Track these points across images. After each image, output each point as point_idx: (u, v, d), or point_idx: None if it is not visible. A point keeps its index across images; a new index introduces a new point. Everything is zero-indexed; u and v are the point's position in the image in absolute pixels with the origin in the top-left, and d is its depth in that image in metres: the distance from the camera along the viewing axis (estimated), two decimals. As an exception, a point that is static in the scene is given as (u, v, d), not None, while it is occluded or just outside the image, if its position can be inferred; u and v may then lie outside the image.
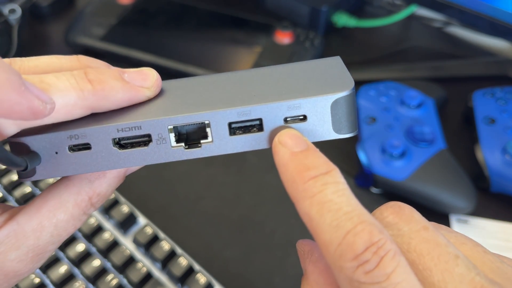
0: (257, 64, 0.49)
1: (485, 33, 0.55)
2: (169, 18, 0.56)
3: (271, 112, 0.19)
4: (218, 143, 0.19)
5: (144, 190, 0.41)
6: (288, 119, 0.19)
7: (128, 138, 0.19)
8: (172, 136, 0.19)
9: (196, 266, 0.35)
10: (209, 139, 0.19)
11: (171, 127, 0.18)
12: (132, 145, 0.19)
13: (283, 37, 0.52)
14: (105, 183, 0.20)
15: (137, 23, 0.55)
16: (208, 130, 0.19)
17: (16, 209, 0.21)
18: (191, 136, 0.19)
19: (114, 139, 0.18)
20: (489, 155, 0.41)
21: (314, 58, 0.51)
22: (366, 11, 0.63)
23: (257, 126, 0.19)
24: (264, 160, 0.45)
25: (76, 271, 0.35)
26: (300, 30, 0.53)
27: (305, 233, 0.43)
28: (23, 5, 0.53)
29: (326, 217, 0.15)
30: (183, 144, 0.19)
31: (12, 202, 0.39)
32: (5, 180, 0.40)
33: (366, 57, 0.56)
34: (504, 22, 0.42)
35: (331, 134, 0.20)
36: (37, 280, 0.35)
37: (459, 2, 0.44)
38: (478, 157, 0.42)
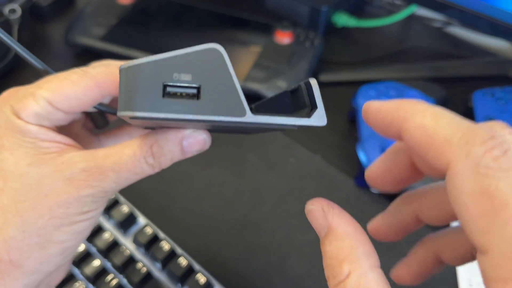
0: (257, 64, 0.49)
1: (485, 33, 0.55)
2: (169, 18, 0.56)
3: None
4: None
5: (144, 190, 0.41)
6: None
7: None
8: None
9: (196, 266, 0.35)
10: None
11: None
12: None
13: (283, 37, 0.52)
14: (165, 137, 0.21)
15: (137, 23, 0.55)
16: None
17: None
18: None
19: None
20: (489, 155, 0.41)
21: (314, 58, 0.51)
22: (366, 11, 0.63)
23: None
24: (264, 160, 0.45)
25: (76, 271, 0.35)
26: (300, 30, 0.53)
27: (305, 233, 0.43)
28: (23, 5, 0.53)
29: (443, 121, 0.17)
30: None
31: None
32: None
33: (366, 57, 0.56)
34: (504, 22, 0.42)
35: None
36: (37, 280, 0.35)
37: (459, 2, 0.44)
38: (478, 157, 0.42)
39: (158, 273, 0.35)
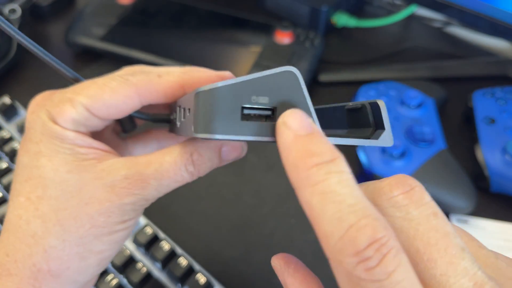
0: (257, 64, 0.49)
1: (485, 33, 0.55)
2: (169, 18, 0.56)
3: None
4: None
5: (144, 190, 0.42)
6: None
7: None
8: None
9: (196, 266, 0.35)
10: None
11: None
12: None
13: (283, 37, 0.52)
14: (205, 145, 0.22)
15: (137, 23, 0.55)
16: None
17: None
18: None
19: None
20: (489, 155, 0.41)
21: (314, 58, 0.51)
22: (366, 11, 0.63)
23: None
24: (264, 160, 0.45)
25: (76, 271, 0.35)
26: (300, 30, 0.53)
27: (305, 233, 0.43)
28: (23, 5, 0.53)
29: (328, 208, 0.15)
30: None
31: (12, 202, 0.39)
32: (5, 180, 0.40)
33: (366, 57, 0.56)
34: (504, 22, 0.42)
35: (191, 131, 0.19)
36: None
37: (459, 2, 0.44)
38: (478, 157, 0.42)
39: (158, 273, 0.35)
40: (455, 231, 0.16)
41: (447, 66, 0.54)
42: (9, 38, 0.51)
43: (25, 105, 0.48)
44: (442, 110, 0.48)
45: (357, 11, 0.61)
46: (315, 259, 0.37)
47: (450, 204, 0.39)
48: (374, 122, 0.19)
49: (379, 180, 0.18)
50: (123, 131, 0.29)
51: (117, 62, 0.54)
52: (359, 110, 0.20)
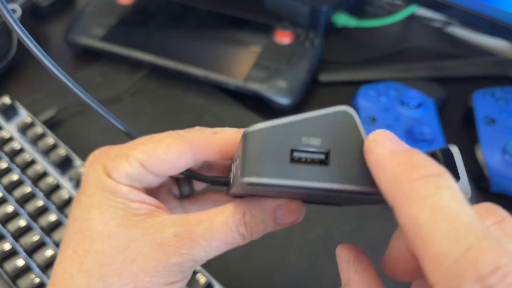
0: (257, 64, 0.49)
1: (485, 33, 0.55)
2: (169, 18, 0.56)
3: None
4: None
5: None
6: None
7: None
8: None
9: (196, 266, 0.35)
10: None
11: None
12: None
13: (283, 37, 0.52)
14: (258, 205, 0.21)
15: (137, 23, 0.55)
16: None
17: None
18: None
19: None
20: (489, 155, 0.41)
21: (314, 58, 0.51)
22: (366, 11, 0.63)
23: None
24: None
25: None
26: (300, 30, 0.53)
27: (305, 233, 0.43)
28: (23, 5, 0.53)
29: (441, 225, 0.13)
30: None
31: (12, 202, 0.39)
32: (5, 180, 0.40)
33: (366, 57, 0.56)
34: (504, 22, 0.42)
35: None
36: (37, 280, 0.35)
37: (459, 2, 0.44)
38: (478, 157, 0.42)
39: (158, 273, 0.35)
40: None
41: (447, 66, 0.54)
42: (9, 38, 0.51)
43: (25, 105, 0.48)
44: (442, 110, 0.48)
45: (357, 11, 0.61)
46: (315, 259, 0.37)
47: (450, 204, 0.39)
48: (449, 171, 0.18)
49: None
50: (181, 195, 0.29)
51: (117, 62, 0.54)
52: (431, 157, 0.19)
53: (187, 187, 0.28)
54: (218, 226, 0.20)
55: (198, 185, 0.29)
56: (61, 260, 0.22)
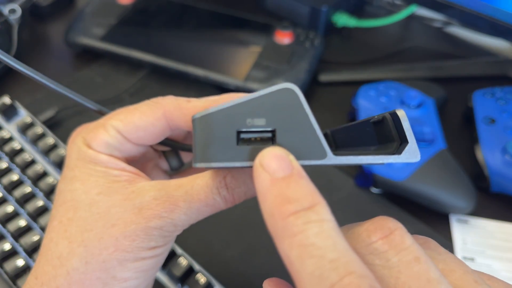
0: (257, 64, 0.49)
1: (485, 33, 0.55)
2: (169, 18, 0.56)
3: None
4: None
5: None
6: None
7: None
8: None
9: (196, 266, 0.35)
10: None
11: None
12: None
13: (283, 37, 0.52)
14: (241, 169, 0.20)
15: (137, 23, 0.55)
16: None
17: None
18: None
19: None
20: (489, 155, 0.41)
21: (314, 58, 0.51)
22: (366, 11, 0.63)
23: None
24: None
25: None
26: (300, 30, 0.53)
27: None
28: (23, 5, 0.53)
29: (307, 264, 0.13)
30: None
31: (12, 202, 0.39)
32: (5, 180, 0.40)
33: (366, 57, 0.56)
34: (504, 22, 0.42)
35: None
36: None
37: (459, 2, 0.44)
38: (478, 157, 0.42)
39: (158, 273, 0.35)
40: (440, 276, 0.14)
41: (447, 66, 0.54)
42: (9, 38, 0.51)
43: (25, 105, 0.48)
44: (442, 110, 0.48)
45: (357, 11, 0.61)
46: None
47: (450, 204, 0.39)
48: (398, 135, 0.17)
49: (358, 224, 0.17)
50: (171, 169, 0.29)
51: (117, 62, 0.54)
52: (382, 123, 0.18)
53: (175, 159, 0.28)
54: (198, 189, 0.20)
55: (187, 158, 0.29)
56: (48, 231, 0.22)
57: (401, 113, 0.17)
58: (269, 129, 0.17)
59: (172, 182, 0.21)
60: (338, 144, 0.22)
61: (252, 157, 0.16)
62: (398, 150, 0.17)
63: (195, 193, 0.20)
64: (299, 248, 0.13)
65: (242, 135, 0.17)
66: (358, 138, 0.20)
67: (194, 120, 0.17)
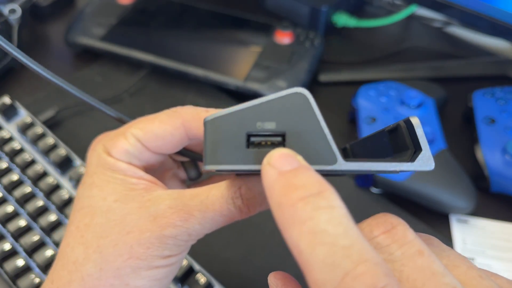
0: (257, 64, 0.49)
1: (485, 33, 0.55)
2: (169, 18, 0.56)
3: None
4: None
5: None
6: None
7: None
8: None
9: (196, 266, 0.35)
10: None
11: None
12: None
13: (283, 37, 0.52)
14: (254, 178, 0.20)
15: (137, 23, 0.55)
16: None
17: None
18: None
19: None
20: (489, 155, 0.41)
21: (314, 58, 0.51)
22: (366, 11, 0.63)
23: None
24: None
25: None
26: (300, 30, 0.53)
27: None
28: (23, 5, 0.53)
29: (318, 251, 0.12)
30: None
31: (12, 202, 0.39)
32: (5, 180, 0.40)
33: (366, 57, 0.56)
34: (504, 22, 0.42)
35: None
36: (37, 280, 0.35)
37: (459, 2, 0.44)
38: (478, 157, 0.42)
39: (158, 273, 0.35)
40: (444, 269, 0.14)
41: (447, 66, 0.54)
42: (9, 38, 0.51)
43: (25, 105, 0.48)
44: (442, 110, 0.48)
45: (357, 11, 0.61)
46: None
47: (450, 204, 0.39)
48: (412, 143, 0.17)
49: (359, 223, 0.16)
50: (189, 179, 0.29)
51: (117, 62, 0.54)
52: (396, 131, 0.18)
53: (193, 170, 0.29)
54: (213, 199, 0.20)
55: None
56: (65, 237, 0.23)
57: (415, 121, 0.17)
58: (279, 133, 0.17)
59: (188, 191, 0.21)
60: (356, 156, 0.22)
61: (261, 161, 0.16)
62: (412, 158, 0.17)
63: (210, 203, 0.20)
64: (309, 235, 0.13)
65: (252, 139, 0.17)
66: (375, 149, 0.20)
67: (205, 123, 0.17)
